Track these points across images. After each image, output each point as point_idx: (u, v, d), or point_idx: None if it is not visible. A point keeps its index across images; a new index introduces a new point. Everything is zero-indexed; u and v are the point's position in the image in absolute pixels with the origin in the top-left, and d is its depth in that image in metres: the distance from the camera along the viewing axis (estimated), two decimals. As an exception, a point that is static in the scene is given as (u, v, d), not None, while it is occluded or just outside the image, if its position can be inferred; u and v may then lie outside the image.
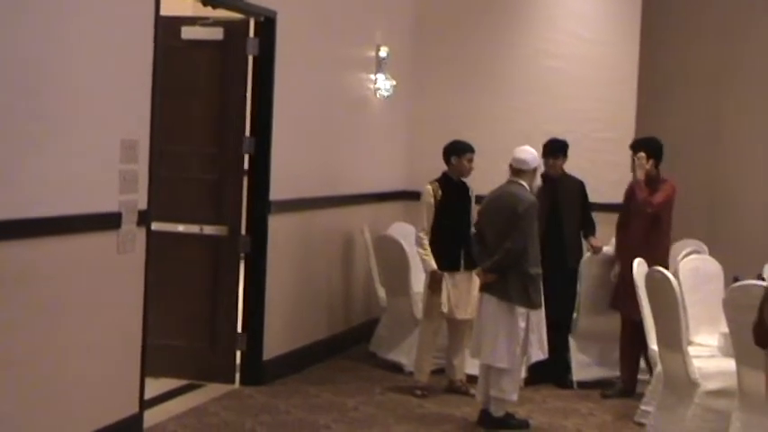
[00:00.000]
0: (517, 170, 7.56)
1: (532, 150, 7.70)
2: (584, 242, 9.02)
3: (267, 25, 8.29)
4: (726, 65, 11.36)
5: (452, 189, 8.40)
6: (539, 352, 7.55)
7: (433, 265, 8.24)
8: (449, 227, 8.32)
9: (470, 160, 8.44)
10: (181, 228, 8.29)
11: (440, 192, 8.34)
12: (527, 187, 7.54)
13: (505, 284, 7.42)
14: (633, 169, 8.50)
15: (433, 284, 8.26)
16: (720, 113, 11.35)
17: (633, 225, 8.50)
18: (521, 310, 7.39)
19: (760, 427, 6.22)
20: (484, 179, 8.50)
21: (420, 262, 8.57)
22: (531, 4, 10.99)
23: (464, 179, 8.49)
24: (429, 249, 8.28)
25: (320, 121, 9.20)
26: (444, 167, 8.51)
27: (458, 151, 8.44)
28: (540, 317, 7.52)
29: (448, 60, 11.07)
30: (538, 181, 7.81)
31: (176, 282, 8.25)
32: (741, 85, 11.30)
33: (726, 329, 7.01)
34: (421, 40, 11.10)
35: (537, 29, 10.92)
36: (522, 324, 7.40)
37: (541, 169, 7.92)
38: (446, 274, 8.26)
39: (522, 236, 7.39)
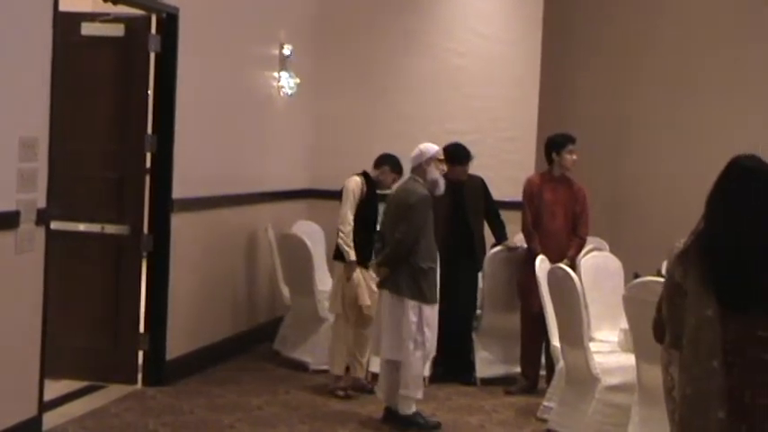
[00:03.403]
0: (411, 168, 7.68)
1: (420, 146, 7.70)
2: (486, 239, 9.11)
3: (169, 22, 8.20)
4: (628, 65, 11.53)
5: (371, 188, 8.40)
6: (432, 348, 7.59)
7: (353, 256, 8.23)
8: (366, 224, 8.31)
9: (395, 180, 8.41)
10: (82, 227, 8.18)
11: (364, 187, 8.33)
12: (421, 182, 7.56)
13: (397, 278, 7.45)
14: (563, 165, 8.58)
15: (349, 277, 8.23)
16: (623, 113, 11.51)
17: (551, 223, 8.53)
18: (411, 303, 7.39)
19: (658, 420, 6.32)
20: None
21: (324, 260, 8.55)
22: (435, 2, 11.04)
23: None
24: (351, 243, 8.25)
25: (224, 118, 9.13)
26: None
27: (394, 165, 8.41)
28: (433, 312, 7.53)
29: (353, 58, 11.07)
30: (433, 174, 7.56)
31: (77, 282, 8.14)
32: (644, 84, 11.47)
33: (626, 325, 7.12)
34: (326, 37, 11.09)
35: (441, 27, 10.96)
36: (414, 318, 7.39)
37: (441, 168, 7.66)
38: (361, 269, 8.28)
39: (412, 228, 7.41)
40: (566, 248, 8.43)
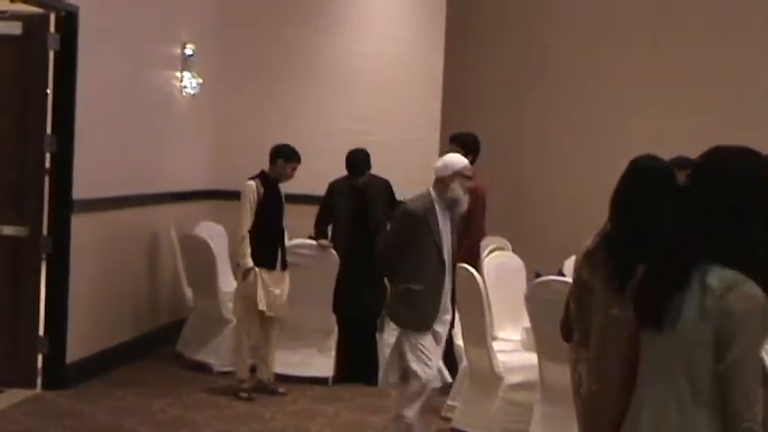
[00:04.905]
0: (434, 180, 6.79)
1: (446, 158, 6.90)
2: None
3: (69, 20, 8.08)
4: (531, 66, 11.65)
5: (270, 188, 8.39)
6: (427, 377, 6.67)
7: (249, 263, 8.19)
8: (267, 225, 8.30)
9: (294, 169, 8.46)
10: (-21, 228, 8.03)
11: (261, 189, 8.31)
12: (432, 196, 6.67)
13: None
14: None
15: (248, 281, 8.21)
16: (526, 113, 11.63)
17: None
18: (392, 325, 6.89)
19: (560, 418, 6.41)
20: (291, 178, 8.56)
21: (228, 262, 8.51)
22: (338, 3, 11.03)
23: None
24: (247, 249, 8.21)
25: (125, 118, 9.03)
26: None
27: (287, 156, 8.44)
28: (423, 339, 6.62)
29: (256, 59, 11.01)
30: (454, 193, 6.63)
31: (-26, 284, 7.98)
32: (547, 85, 11.60)
33: (528, 324, 7.19)
34: (228, 37, 11.01)
35: (344, 28, 10.96)
36: (392, 340, 6.85)
37: (467, 185, 6.79)
38: (262, 271, 8.25)
39: (386, 242, 6.91)
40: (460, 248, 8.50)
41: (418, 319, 6.62)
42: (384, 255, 6.89)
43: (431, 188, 6.73)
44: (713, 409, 2.73)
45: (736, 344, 2.69)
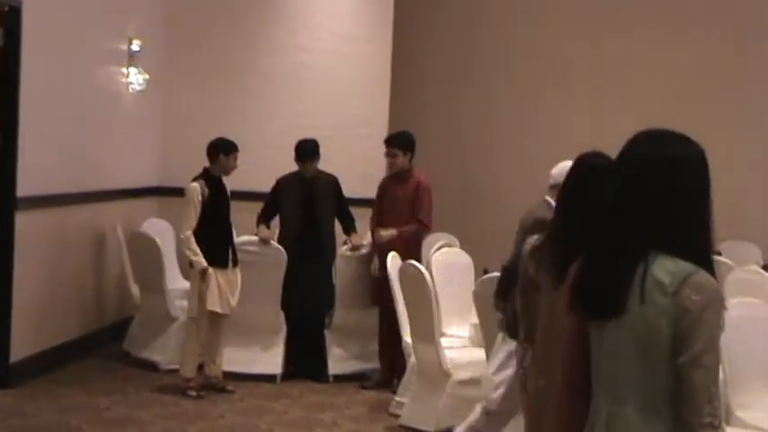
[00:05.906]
0: (549, 186, 6.33)
1: (565, 166, 5.94)
2: (336, 237, 9.15)
3: (12, 15, 7.98)
4: (479, 62, 11.69)
5: (215, 186, 8.34)
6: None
7: (204, 263, 8.14)
8: (216, 224, 8.25)
9: (236, 158, 8.46)
10: None
11: (206, 189, 8.25)
12: (551, 204, 6.01)
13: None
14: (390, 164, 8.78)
15: (204, 282, 8.14)
16: (473, 110, 11.67)
17: (387, 220, 8.69)
18: (507, 342, 6.07)
19: (508, 414, 6.43)
20: (237, 175, 8.51)
21: (175, 259, 8.46)
22: (286, 0, 11.00)
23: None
24: (197, 248, 8.15)
25: (70, 114, 8.93)
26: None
27: (227, 149, 8.42)
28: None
29: (203, 54, 10.93)
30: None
31: None
32: (496, 82, 11.64)
33: (476, 320, 7.21)
34: (175, 33, 10.92)
35: (291, 24, 10.93)
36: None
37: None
38: (216, 271, 8.18)
39: (513, 254, 6.03)
40: (408, 243, 8.51)
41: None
42: (506, 268, 6.02)
43: (547, 197, 6.28)
44: (672, 415, 2.70)
45: (695, 339, 2.66)
